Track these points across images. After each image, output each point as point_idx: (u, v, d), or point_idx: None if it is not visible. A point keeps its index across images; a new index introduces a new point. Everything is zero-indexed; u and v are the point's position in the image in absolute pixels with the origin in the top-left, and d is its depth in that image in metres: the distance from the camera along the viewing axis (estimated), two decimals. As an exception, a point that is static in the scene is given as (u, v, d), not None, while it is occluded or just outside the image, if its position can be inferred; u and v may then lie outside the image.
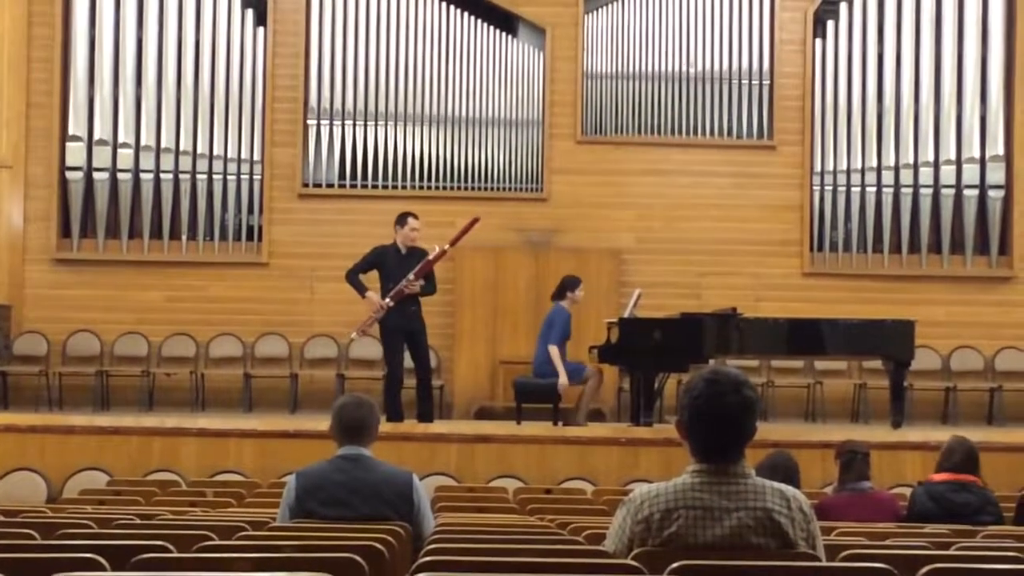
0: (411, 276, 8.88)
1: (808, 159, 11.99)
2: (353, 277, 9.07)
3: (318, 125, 11.91)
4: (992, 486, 5.75)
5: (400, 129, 11.89)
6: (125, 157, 11.79)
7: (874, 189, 11.94)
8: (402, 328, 8.97)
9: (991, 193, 11.90)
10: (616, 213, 11.88)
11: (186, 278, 11.82)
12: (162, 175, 11.80)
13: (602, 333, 9.70)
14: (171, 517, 4.71)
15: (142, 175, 11.82)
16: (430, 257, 9.03)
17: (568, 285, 9.67)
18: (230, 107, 11.95)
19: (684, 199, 11.93)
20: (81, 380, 11.39)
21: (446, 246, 9.15)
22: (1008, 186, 11.93)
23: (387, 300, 8.87)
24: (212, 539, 3.78)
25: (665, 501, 3.11)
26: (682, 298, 11.16)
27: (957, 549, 4.04)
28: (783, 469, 5.47)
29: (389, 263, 9.03)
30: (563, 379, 9.31)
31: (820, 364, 11.48)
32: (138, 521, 4.49)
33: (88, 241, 11.85)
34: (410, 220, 9.10)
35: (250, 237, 11.96)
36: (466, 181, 11.85)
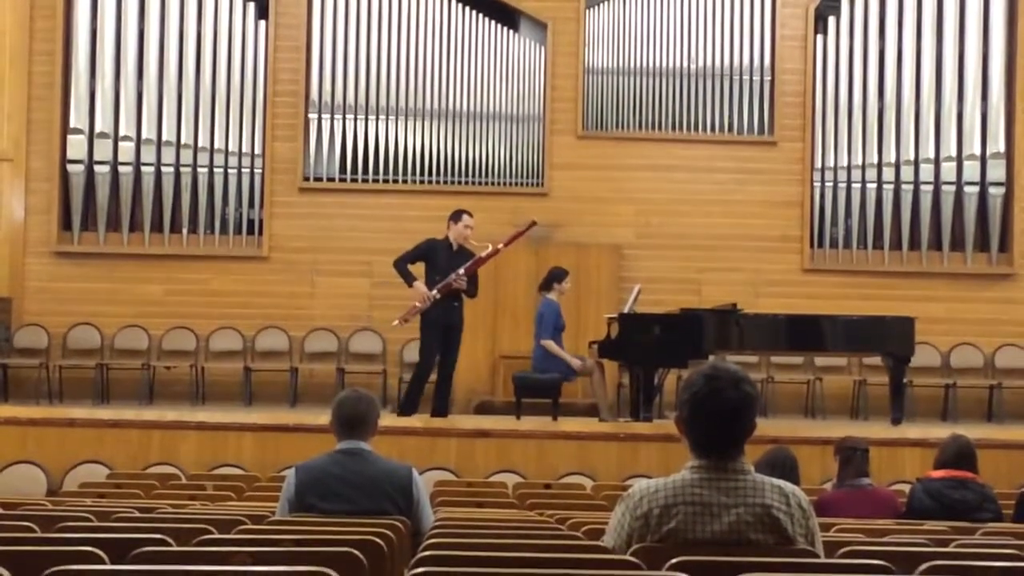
0: (461, 271, 8.89)
1: (809, 155, 11.98)
2: (402, 265, 9.04)
3: (319, 119, 11.90)
4: (992, 483, 5.74)
5: (401, 123, 11.89)
6: (126, 150, 11.80)
7: (874, 185, 11.94)
8: (441, 322, 8.94)
9: (992, 190, 11.90)
10: (616, 208, 11.87)
11: (187, 271, 11.82)
12: (163, 168, 11.81)
13: (602, 328, 9.70)
14: (171, 511, 4.71)
15: (143, 168, 11.82)
16: (482, 255, 9.03)
17: (555, 277, 9.65)
18: (231, 101, 11.95)
19: (684, 194, 11.92)
20: (81, 373, 11.39)
21: (500, 245, 9.12)
22: (1009, 183, 11.92)
23: (434, 292, 8.86)
24: (211, 533, 3.78)
25: (664, 497, 3.11)
26: (682, 293, 11.18)
27: (956, 546, 4.03)
28: (782, 465, 5.47)
29: (439, 257, 9.02)
30: (575, 363, 9.31)
31: (820, 360, 11.49)
32: (138, 514, 4.49)
33: (89, 234, 11.85)
34: (464, 217, 9.09)
35: (251, 231, 11.96)
36: (467, 176, 11.84)
